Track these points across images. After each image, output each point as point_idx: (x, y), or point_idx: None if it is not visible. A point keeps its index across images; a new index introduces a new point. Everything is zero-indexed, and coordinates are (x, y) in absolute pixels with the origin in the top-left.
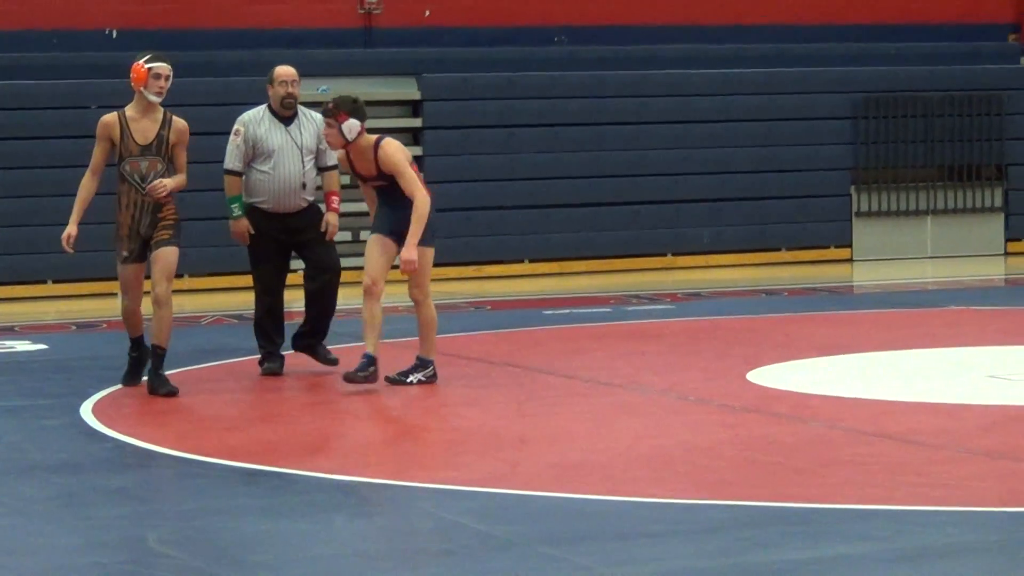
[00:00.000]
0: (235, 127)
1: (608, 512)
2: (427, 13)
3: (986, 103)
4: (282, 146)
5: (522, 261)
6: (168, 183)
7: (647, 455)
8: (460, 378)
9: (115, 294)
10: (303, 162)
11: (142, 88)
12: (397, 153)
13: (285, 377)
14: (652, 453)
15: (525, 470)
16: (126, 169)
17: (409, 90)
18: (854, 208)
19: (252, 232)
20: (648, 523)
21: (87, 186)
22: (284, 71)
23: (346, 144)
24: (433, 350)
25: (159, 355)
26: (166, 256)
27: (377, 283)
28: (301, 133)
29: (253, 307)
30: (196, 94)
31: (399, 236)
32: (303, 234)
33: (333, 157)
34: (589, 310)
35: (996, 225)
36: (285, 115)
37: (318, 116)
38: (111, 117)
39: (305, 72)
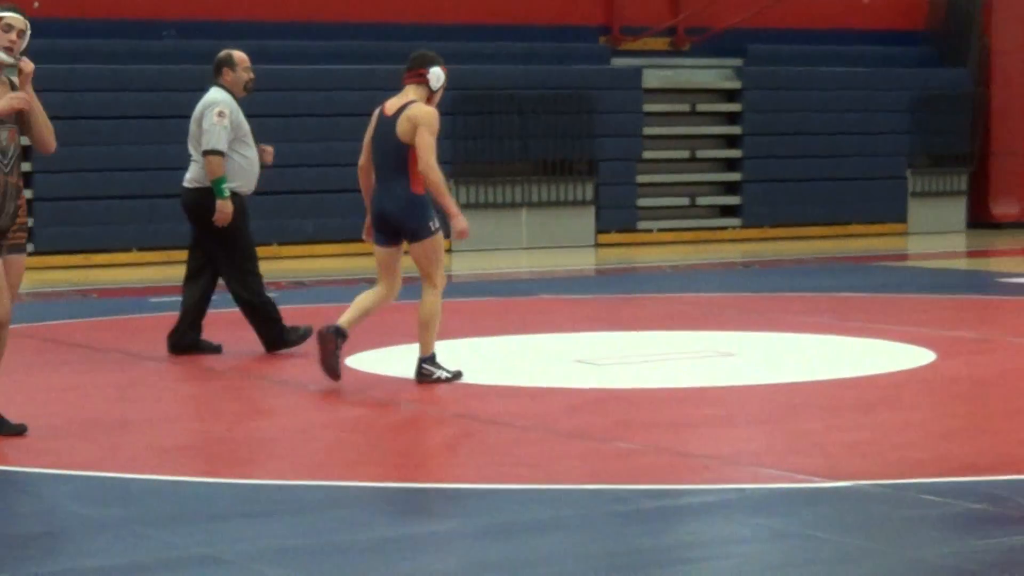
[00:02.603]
0: (217, 109)
1: (205, 494)
2: (36, 5)
3: (578, 102)
4: (251, 130)
5: (129, 250)
6: (26, 95)
7: (245, 438)
8: (64, 364)
9: None
10: None
11: None
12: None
13: None
14: (250, 436)
15: (124, 453)
16: None
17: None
18: None
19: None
20: (243, 504)
21: None
22: (244, 56)
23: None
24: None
25: None
26: (21, 265)
27: None
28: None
29: (241, 289)
30: None
31: None
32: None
33: None
34: None
35: (587, 218)
36: (239, 99)
37: None
38: None
39: None
